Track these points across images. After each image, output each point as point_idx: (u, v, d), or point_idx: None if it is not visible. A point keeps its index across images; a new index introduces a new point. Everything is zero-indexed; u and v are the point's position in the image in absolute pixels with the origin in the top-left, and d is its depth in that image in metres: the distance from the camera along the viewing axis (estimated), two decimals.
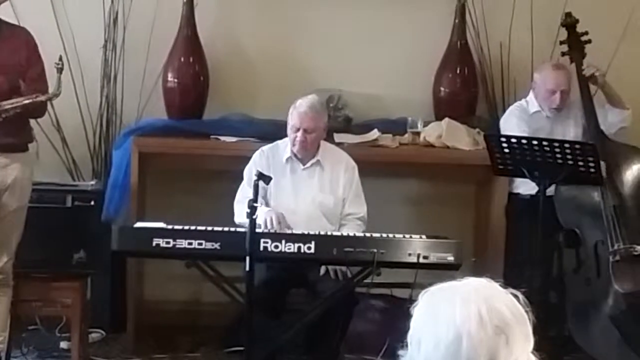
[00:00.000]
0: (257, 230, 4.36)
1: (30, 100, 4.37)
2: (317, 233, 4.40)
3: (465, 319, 1.69)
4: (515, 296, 1.75)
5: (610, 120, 5.20)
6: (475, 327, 1.69)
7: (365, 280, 4.43)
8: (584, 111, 5.13)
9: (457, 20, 5.64)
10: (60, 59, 4.43)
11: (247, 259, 4.06)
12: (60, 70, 4.40)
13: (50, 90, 4.45)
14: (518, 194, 5.25)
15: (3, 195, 4.46)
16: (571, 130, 5.22)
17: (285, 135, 4.82)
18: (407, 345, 1.78)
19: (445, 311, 1.72)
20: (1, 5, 4.50)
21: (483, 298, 1.72)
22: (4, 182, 4.45)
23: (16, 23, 4.79)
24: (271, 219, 4.50)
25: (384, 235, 4.40)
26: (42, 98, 4.42)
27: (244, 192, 4.65)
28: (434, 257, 4.32)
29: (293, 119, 4.72)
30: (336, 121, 5.49)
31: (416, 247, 4.34)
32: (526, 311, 1.74)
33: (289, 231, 4.45)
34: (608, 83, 5.23)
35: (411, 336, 1.77)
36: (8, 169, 4.47)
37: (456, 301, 1.72)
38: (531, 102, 5.26)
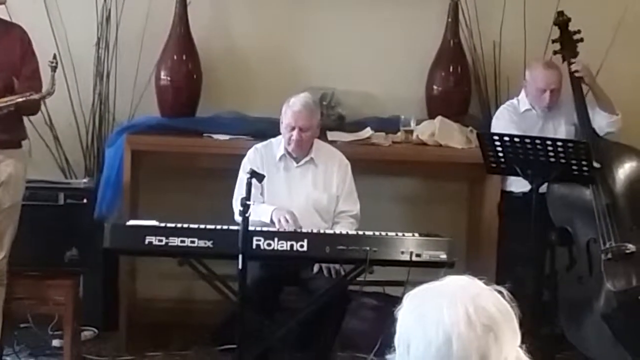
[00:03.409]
0: (270, 228, 4.38)
1: (24, 99, 4.37)
2: (310, 231, 4.40)
3: (454, 321, 1.69)
4: (500, 292, 1.76)
5: (598, 123, 5.17)
6: (465, 328, 1.69)
7: (358, 278, 4.43)
8: (576, 109, 5.13)
9: (450, 19, 5.64)
10: (55, 57, 4.42)
11: (240, 256, 4.07)
12: (54, 69, 4.39)
13: (44, 88, 4.44)
14: (511, 192, 5.26)
15: None
16: (562, 129, 5.22)
17: (279, 133, 4.82)
18: (394, 349, 1.78)
19: (432, 313, 1.71)
20: None
21: (469, 297, 1.72)
22: None
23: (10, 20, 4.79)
24: (285, 219, 4.50)
25: (377, 233, 4.40)
26: (35, 96, 4.41)
27: (241, 190, 4.64)
28: (426, 255, 4.32)
29: (287, 118, 4.72)
30: (329, 119, 5.50)
31: (409, 245, 4.34)
32: (511, 306, 1.75)
33: (293, 228, 4.45)
34: (598, 84, 5.22)
35: (398, 339, 1.76)
36: (2, 165, 4.46)
37: (443, 302, 1.71)
38: (522, 101, 5.27)
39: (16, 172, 4.50)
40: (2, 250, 4.50)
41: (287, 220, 4.50)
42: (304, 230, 4.41)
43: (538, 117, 5.23)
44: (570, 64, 5.21)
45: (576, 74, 5.15)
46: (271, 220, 4.54)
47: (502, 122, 5.21)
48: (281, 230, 4.44)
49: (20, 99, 4.36)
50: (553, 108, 5.22)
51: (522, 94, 5.28)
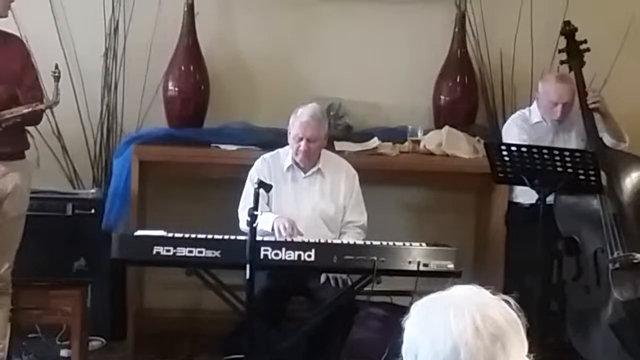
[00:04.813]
0: (270, 237, 4.39)
1: (30, 109, 4.37)
2: (317, 241, 4.41)
3: (462, 330, 1.69)
4: (507, 302, 1.76)
5: None
6: (472, 338, 1.69)
7: (366, 288, 4.43)
8: (582, 119, 5.12)
9: (457, 29, 5.65)
10: (57, 67, 4.40)
11: (248, 266, 4.07)
12: (57, 79, 4.38)
13: (49, 98, 4.44)
14: (518, 203, 5.25)
15: (3, 203, 4.47)
16: (573, 143, 5.20)
17: (286, 144, 4.83)
18: (402, 359, 1.78)
19: (440, 323, 1.71)
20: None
21: (476, 307, 1.72)
22: (4, 190, 4.45)
23: (17, 32, 4.79)
24: (284, 226, 4.51)
25: (384, 243, 4.40)
26: (41, 107, 4.42)
27: (247, 200, 4.65)
28: (434, 265, 4.32)
29: (295, 129, 4.73)
30: (336, 129, 5.51)
31: (416, 254, 4.34)
32: (518, 316, 1.75)
33: (300, 238, 4.46)
34: (611, 114, 5.18)
35: (406, 349, 1.76)
36: (7, 177, 4.47)
37: (450, 312, 1.71)
38: (534, 112, 5.26)
39: (21, 184, 4.50)
40: (7, 261, 4.50)
41: (285, 228, 4.51)
42: (310, 240, 4.42)
43: (549, 130, 5.22)
44: (577, 73, 5.21)
45: (592, 105, 5.12)
46: (272, 229, 4.54)
47: (515, 129, 5.20)
48: (280, 238, 4.44)
49: (25, 110, 4.36)
50: (564, 121, 5.21)
51: (534, 105, 5.27)
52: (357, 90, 5.68)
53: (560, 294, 5.11)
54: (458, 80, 5.68)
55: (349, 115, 5.63)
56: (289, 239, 4.43)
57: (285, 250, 4.30)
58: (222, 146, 5.39)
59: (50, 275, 4.81)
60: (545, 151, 4.70)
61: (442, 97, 5.69)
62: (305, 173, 4.83)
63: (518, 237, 5.16)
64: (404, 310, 1.79)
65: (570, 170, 4.68)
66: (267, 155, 4.89)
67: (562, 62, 5.33)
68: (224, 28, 5.74)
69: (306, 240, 4.41)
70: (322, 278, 4.65)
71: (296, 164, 4.81)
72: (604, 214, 4.86)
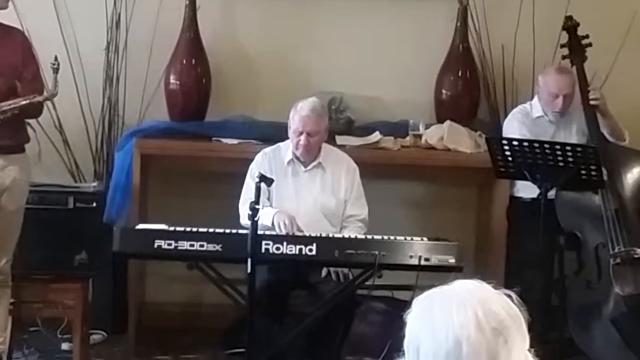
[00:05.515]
0: (271, 232, 4.39)
1: (28, 101, 4.36)
2: (318, 235, 4.41)
3: (464, 324, 1.69)
4: (509, 296, 1.76)
5: None
6: (474, 332, 1.69)
7: (367, 283, 4.43)
8: (584, 114, 5.12)
9: (459, 24, 5.65)
10: (56, 58, 4.38)
11: (249, 260, 4.07)
12: (56, 71, 4.37)
13: (48, 90, 4.44)
14: (519, 197, 5.25)
15: (2, 196, 4.46)
16: (574, 138, 5.20)
17: (287, 138, 4.83)
18: (404, 353, 1.78)
19: (442, 317, 1.71)
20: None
21: (478, 301, 1.72)
22: (3, 183, 4.44)
23: (18, 25, 4.79)
24: (284, 223, 4.51)
25: (386, 237, 4.41)
26: (39, 98, 4.40)
27: (248, 194, 4.65)
28: (435, 260, 4.33)
29: (295, 123, 4.72)
30: (338, 123, 5.50)
31: (417, 249, 4.35)
32: (520, 310, 1.75)
33: (300, 233, 4.46)
34: (611, 113, 5.16)
35: (408, 343, 1.76)
36: (6, 171, 4.45)
37: (452, 306, 1.71)
38: (535, 106, 5.26)
39: (20, 177, 4.49)
40: (6, 254, 4.50)
41: (285, 225, 4.51)
42: (311, 234, 4.42)
43: (550, 125, 5.22)
44: (579, 68, 5.20)
45: (592, 102, 5.11)
46: (272, 224, 4.54)
47: (515, 124, 5.20)
48: (280, 234, 4.44)
49: (24, 102, 4.35)
50: (565, 115, 5.20)
51: (535, 99, 5.27)
52: (359, 84, 5.68)
53: (561, 288, 5.11)
54: (460, 74, 5.68)
55: (351, 110, 5.63)
56: (287, 233, 4.43)
57: (287, 244, 4.31)
58: (224, 140, 5.39)
59: (51, 268, 4.80)
60: (546, 146, 4.71)
61: (443, 91, 5.69)
62: (305, 167, 4.83)
63: (519, 232, 5.17)
64: (405, 305, 1.79)
65: (571, 165, 4.68)
66: (268, 149, 4.89)
67: (564, 57, 5.32)
68: (226, 22, 5.74)
69: (307, 234, 4.41)
70: (324, 272, 4.66)
71: (297, 158, 4.81)
72: (605, 209, 4.86)
